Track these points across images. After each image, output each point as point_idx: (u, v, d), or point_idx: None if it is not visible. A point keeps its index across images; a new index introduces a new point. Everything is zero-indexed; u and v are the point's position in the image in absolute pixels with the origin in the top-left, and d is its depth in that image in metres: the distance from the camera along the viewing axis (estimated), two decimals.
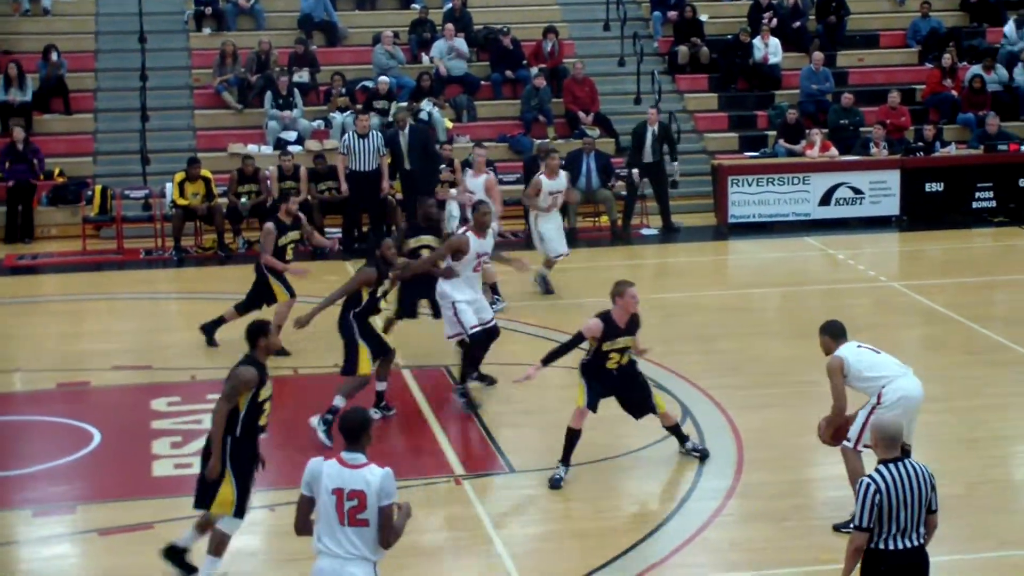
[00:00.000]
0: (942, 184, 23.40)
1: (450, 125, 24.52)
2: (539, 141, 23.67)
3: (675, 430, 12.59)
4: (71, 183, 23.34)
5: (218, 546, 9.95)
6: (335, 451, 7.98)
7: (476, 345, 13.96)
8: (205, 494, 9.90)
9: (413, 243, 15.32)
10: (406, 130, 21.63)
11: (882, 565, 7.85)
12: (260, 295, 15.91)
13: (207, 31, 26.65)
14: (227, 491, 9.81)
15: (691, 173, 24.57)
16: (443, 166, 21.79)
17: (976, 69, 26.10)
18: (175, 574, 10.23)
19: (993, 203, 23.51)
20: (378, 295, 13.53)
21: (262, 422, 9.90)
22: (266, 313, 15.19)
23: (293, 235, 15.81)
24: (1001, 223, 23.16)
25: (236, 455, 9.82)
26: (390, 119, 23.80)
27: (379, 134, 21.74)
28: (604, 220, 23.04)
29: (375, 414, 13.65)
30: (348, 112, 23.89)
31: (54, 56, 24.66)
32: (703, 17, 27.46)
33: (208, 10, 26.65)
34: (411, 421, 13.71)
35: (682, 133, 24.75)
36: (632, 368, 12.26)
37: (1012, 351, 15.79)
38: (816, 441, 12.97)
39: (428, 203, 15.94)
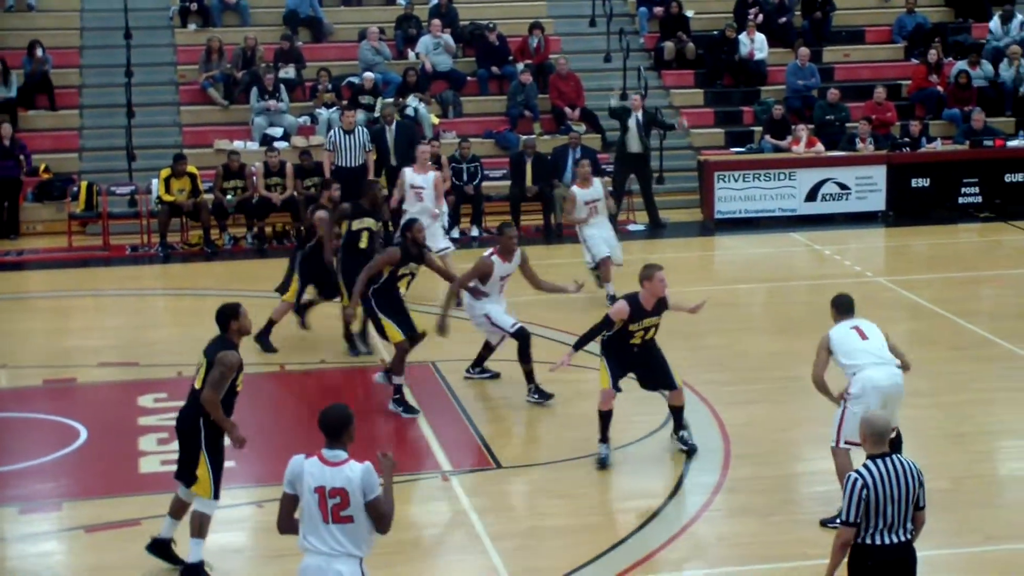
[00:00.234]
0: (928, 180, 23.46)
1: (436, 121, 24.51)
2: (525, 137, 23.68)
3: (677, 413, 12.65)
4: (57, 179, 23.28)
5: (200, 528, 10.05)
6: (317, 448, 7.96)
7: (524, 339, 13.96)
8: (186, 470, 10.08)
9: (356, 225, 15.28)
10: (392, 126, 21.62)
11: (869, 560, 7.87)
12: (327, 282, 15.92)
13: (192, 27, 26.60)
14: (204, 474, 9.96)
15: (677, 169, 24.60)
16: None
17: (962, 65, 26.15)
18: (164, 566, 10.24)
19: (979, 199, 23.57)
20: (398, 275, 13.79)
21: None
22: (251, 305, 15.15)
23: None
24: (987, 218, 23.22)
25: (210, 441, 9.96)
26: (376, 115, 23.79)
27: (365, 130, 21.71)
28: None
29: (379, 378, 14.04)
30: (334, 108, 23.87)
31: (39, 52, 24.58)
32: (689, 13, 27.48)
33: (193, 6, 26.60)
34: (399, 417, 13.70)
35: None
36: (652, 343, 12.41)
37: (998, 346, 15.84)
38: (802, 436, 13.06)
39: (376, 186, 15.89)
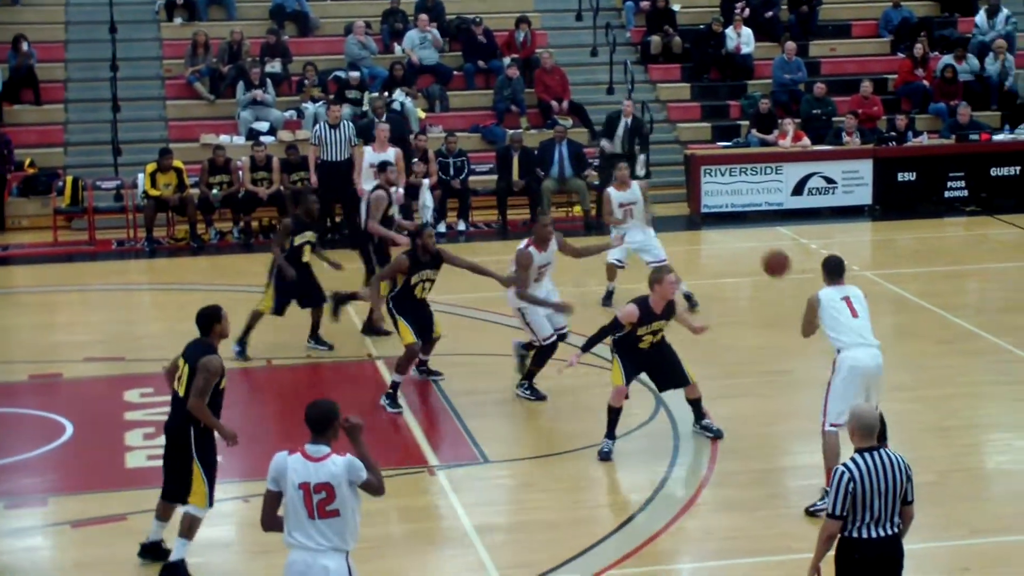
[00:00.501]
0: (914, 173, 23.49)
1: (422, 115, 24.48)
2: (512, 131, 23.67)
3: (695, 404, 12.77)
4: (42, 174, 23.21)
5: (190, 529, 10.04)
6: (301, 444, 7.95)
7: (551, 350, 13.80)
8: (179, 488, 9.99)
9: (298, 239, 15.31)
10: (383, 119, 21.55)
11: (855, 553, 7.88)
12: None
13: (178, 21, 26.52)
14: (199, 483, 9.95)
15: (664, 163, 24.60)
16: (415, 159, 21.80)
17: (947, 59, 26.19)
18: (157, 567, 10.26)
19: (965, 192, 23.61)
20: (412, 283, 13.63)
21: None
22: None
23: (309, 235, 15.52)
24: (973, 212, 23.27)
25: (201, 446, 9.95)
26: (363, 110, 23.76)
27: (351, 124, 21.67)
28: (577, 210, 23.06)
29: (414, 373, 14.08)
30: (320, 103, 23.83)
31: (24, 46, 24.49)
32: (675, 7, 27.47)
33: (179, 0, 26.52)
34: (384, 411, 13.68)
35: (655, 123, 24.77)
36: (663, 343, 12.49)
37: (983, 339, 15.87)
38: (788, 430, 13.08)
39: (310, 199, 15.87)
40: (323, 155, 21.15)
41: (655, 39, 26.77)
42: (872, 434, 7.94)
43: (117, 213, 22.52)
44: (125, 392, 14.33)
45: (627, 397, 12.43)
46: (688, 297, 17.12)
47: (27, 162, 23.31)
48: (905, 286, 18.31)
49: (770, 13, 27.38)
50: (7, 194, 22.87)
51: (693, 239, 22.54)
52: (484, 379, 14.51)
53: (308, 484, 7.67)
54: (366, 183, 18.52)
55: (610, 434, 12.38)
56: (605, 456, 12.32)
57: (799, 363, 15.28)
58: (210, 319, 10.02)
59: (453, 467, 12.33)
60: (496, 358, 14.69)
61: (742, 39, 26.49)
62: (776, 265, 12.27)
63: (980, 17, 27.45)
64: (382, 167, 16.75)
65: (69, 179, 22.59)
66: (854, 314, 11.00)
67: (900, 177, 23.45)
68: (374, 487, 7.85)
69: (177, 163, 21.73)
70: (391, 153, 18.81)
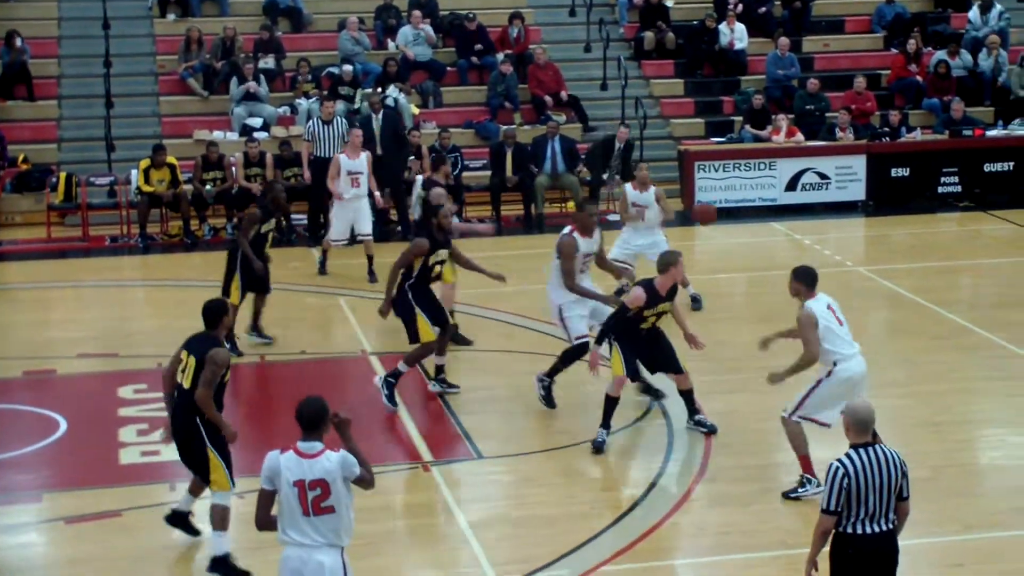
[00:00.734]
0: (908, 169, 23.51)
1: (416, 111, 24.47)
2: (505, 127, 23.66)
3: (687, 397, 12.80)
4: (35, 170, 23.18)
5: (222, 520, 10.14)
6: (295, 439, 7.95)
7: (581, 351, 13.43)
8: (203, 475, 10.18)
9: (264, 228, 15.36)
10: (379, 115, 21.53)
11: (850, 548, 7.88)
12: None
13: (172, 17, 26.50)
14: (219, 471, 10.10)
15: (657, 159, 24.59)
16: (411, 158, 21.80)
17: (941, 55, 26.20)
18: (183, 536, 10.57)
19: (958, 188, 23.63)
20: (431, 264, 13.51)
21: None
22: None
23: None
24: (966, 208, 23.29)
25: (212, 434, 10.05)
26: (355, 106, 23.75)
27: (344, 120, 21.66)
28: (571, 206, 23.05)
29: (433, 387, 13.92)
30: (313, 98, 23.81)
31: (17, 42, 24.45)
32: (669, 3, 27.47)
33: None
34: (378, 407, 13.67)
35: (648, 119, 24.77)
36: (659, 329, 12.58)
37: (977, 335, 15.89)
38: (781, 426, 13.06)
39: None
40: (316, 151, 21.13)
41: (648, 35, 26.78)
42: (867, 430, 7.94)
43: (111, 209, 22.50)
44: (119, 388, 14.32)
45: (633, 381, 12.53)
46: (695, 299, 17.09)
47: (20, 158, 23.27)
48: (898, 282, 18.33)
49: (763, 9, 27.39)
50: (0, 190, 22.84)
51: (686, 234, 22.50)
52: (479, 375, 14.52)
53: (303, 481, 7.68)
54: (341, 188, 18.69)
55: (605, 424, 12.42)
56: (599, 447, 12.34)
57: (792, 359, 15.26)
58: (218, 313, 10.14)
59: (448, 463, 12.34)
60: (490, 354, 14.70)
61: (735, 35, 26.50)
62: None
63: (973, 13, 27.47)
64: (441, 160, 17.33)
65: (63, 175, 22.57)
66: (839, 322, 11.10)
67: (893, 173, 23.47)
68: (366, 481, 7.87)
69: (171, 159, 21.71)
70: (363, 158, 18.94)
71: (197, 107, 24.88)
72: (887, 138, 23.80)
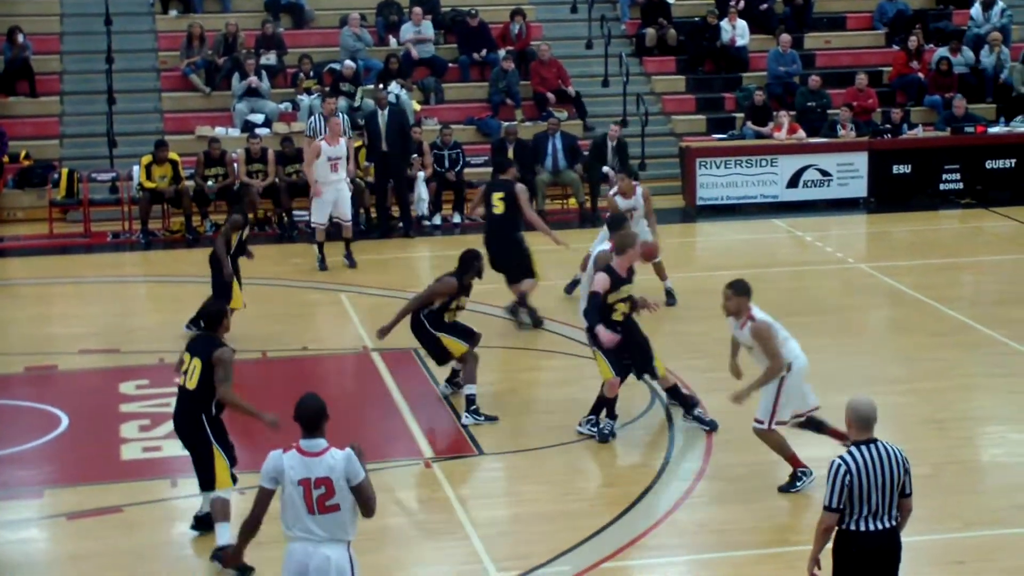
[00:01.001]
0: (909, 166, 23.51)
1: (418, 108, 24.47)
2: (507, 123, 23.67)
3: (674, 393, 12.86)
4: (38, 166, 23.20)
5: (224, 512, 10.26)
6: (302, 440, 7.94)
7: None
8: (205, 476, 10.29)
9: (246, 233, 15.53)
10: (385, 111, 21.52)
11: (853, 546, 7.86)
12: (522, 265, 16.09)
13: (174, 13, 26.50)
14: (222, 468, 10.24)
15: (659, 155, 24.63)
16: (413, 156, 21.80)
17: (943, 51, 26.20)
18: (184, 532, 10.72)
19: (960, 185, 23.63)
20: (450, 306, 13.25)
21: None
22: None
23: None
24: (968, 205, 23.29)
25: (217, 431, 10.22)
26: (356, 103, 23.75)
27: (346, 117, 21.66)
28: (572, 202, 23.07)
29: (447, 389, 13.79)
30: (315, 95, 23.82)
31: (19, 38, 24.45)
32: None
33: None
34: (380, 404, 13.70)
35: (650, 115, 24.76)
36: (632, 322, 12.58)
37: (978, 332, 15.89)
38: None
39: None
40: None
41: (650, 31, 26.77)
42: (869, 427, 7.92)
43: (112, 205, 22.50)
44: (120, 384, 14.33)
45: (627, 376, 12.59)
46: (669, 293, 17.10)
47: (23, 154, 23.29)
48: (900, 279, 18.34)
49: (765, 5, 27.38)
50: (2, 186, 22.86)
51: (688, 231, 22.55)
52: (480, 372, 14.47)
53: (308, 480, 7.67)
54: (318, 174, 19.13)
55: (610, 415, 12.50)
56: (604, 437, 12.39)
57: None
58: (218, 317, 10.35)
59: (449, 460, 12.34)
60: (491, 351, 14.68)
61: (737, 31, 26.49)
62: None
63: (975, 9, 27.45)
64: (510, 163, 17.11)
65: (65, 171, 22.58)
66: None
67: (895, 170, 23.47)
68: (367, 497, 7.76)
69: (172, 155, 21.72)
70: (343, 145, 19.40)
71: (199, 103, 24.89)
72: (889, 135, 23.80)
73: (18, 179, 23.06)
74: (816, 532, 7.98)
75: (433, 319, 13.23)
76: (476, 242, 20.85)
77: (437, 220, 22.17)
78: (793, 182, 23.26)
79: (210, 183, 21.80)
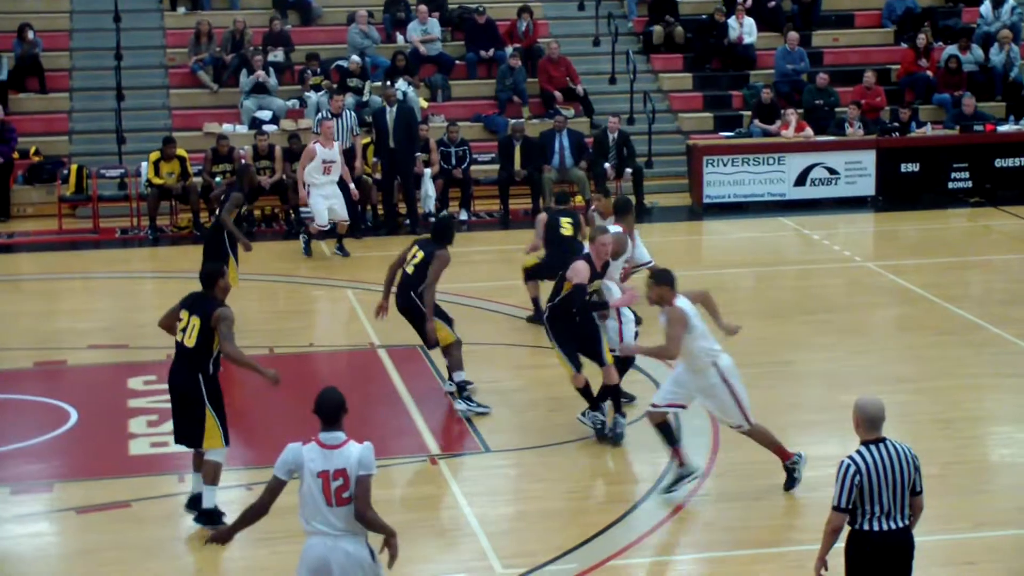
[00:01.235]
0: (918, 164, 23.49)
1: (425, 105, 24.48)
2: (514, 121, 23.67)
3: (609, 393, 12.60)
4: (47, 162, 23.25)
5: (215, 476, 10.55)
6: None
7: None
8: (193, 434, 10.53)
9: (244, 210, 15.67)
10: (394, 108, 21.54)
11: (867, 546, 7.83)
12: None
13: (182, 10, 26.54)
14: (213, 426, 10.49)
15: (666, 153, 24.62)
16: (417, 154, 21.80)
17: (952, 49, 26.15)
18: (191, 526, 10.75)
19: (969, 183, 23.60)
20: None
21: None
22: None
23: None
24: (977, 203, 23.26)
25: (211, 391, 10.52)
26: (364, 99, 23.78)
27: (353, 114, 21.68)
28: (579, 200, 23.04)
29: (449, 386, 13.70)
30: (323, 91, 23.83)
31: (29, 35, 24.51)
32: None
33: None
34: (386, 400, 13.72)
35: (657, 113, 24.77)
36: (589, 314, 12.44)
37: (986, 331, 15.88)
38: (789, 421, 13.09)
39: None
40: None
41: (657, 29, 26.76)
42: (878, 426, 7.89)
43: (121, 201, 22.56)
44: (129, 379, 14.36)
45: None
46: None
47: (32, 150, 23.33)
48: (908, 277, 18.33)
49: (772, 3, 27.35)
50: (12, 182, 22.91)
51: (695, 229, 22.57)
52: (485, 369, 14.51)
53: (327, 472, 7.72)
54: (309, 176, 19.41)
55: (595, 407, 12.46)
56: (599, 430, 12.43)
57: (801, 354, 15.33)
58: (214, 276, 10.63)
59: (455, 456, 12.36)
60: (496, 347, 14.71)
61: (744, 29, 26.48)
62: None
63: (985, 7, 27.39)
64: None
65: (74, 167, 22.64)
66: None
67: (903, 168, 23.45)
68: (366, 493, 7.73)
69: (180, 152, 21.77)
70: (336, 148, 19.69)
71: (207, 100, 24.92)
72: (897, 133, 23.78)
73: (28, 175, 23.11)
74: (824, 532, 7.95)
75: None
76: (486, 239, 20.98)
77: None
78: (801, 180, 23.25)
79: (218, 180, 21.78)
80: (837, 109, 24.68)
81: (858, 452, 7.85)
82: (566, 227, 15.22)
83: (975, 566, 10.15)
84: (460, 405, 13.28)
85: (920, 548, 8.09)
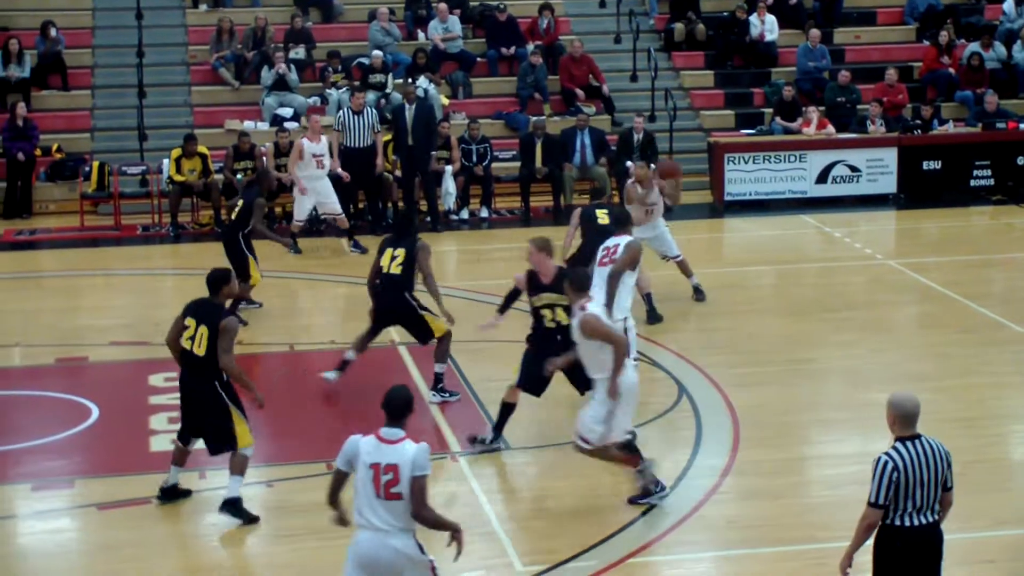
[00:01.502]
0: (940, 162, 23.41)
1: (446, 102, 24.49)
2: (535, 118, 23.67)
3: (506, 411, 12.35)
4: (69, 159, 23.34)
5: (243, 467, 10.78)
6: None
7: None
8: (223, 440, 10.77)
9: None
10: (413, 106, 21.56)
11: (898, 541, 7.81)
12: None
13: (203, 7, 26.61)
14: (242, 427, 10.71)
15: (687, 150, 24.58)
16: (431, 152, 21.80)
17: (974, 46, 26.06)
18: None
19: (991, 181, 23.52)
20: None
21: None
22: None
23: None
24: (999, 201, 23.18)
25: (231, 394, 10.70)
26: (388, 91, 23.80)
27: (374, 111, 21.70)
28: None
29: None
30: (344, 89, 23.87)
31: (52, 32, 24.61)
32: None
33: None
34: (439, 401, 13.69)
35: (678, 111, 24.73)
36: (563, 336, 11.71)
37: (1008, 329, 15.82)
38: (811, 418, 13.07)
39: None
40: (346, 141, 21.19)
41: (679, 26, 26.73)
42: (913, 422, 7.86)
43: (142, 198, 22.64)
44: (150, 376, 14.40)
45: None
46: (696, 288, 17.02)
47: (54, 147, 23.43)
48: (929, 275, 18.27)
49: (794, 0, 27.29)
50: (34, 179, 23.01)
51: (716, 227, 22.54)
52: (504, 365, 14.46)
53: (378, 465, 7.88)
54: (300, 170, 19.92)
55: (497, 428, 12.26)
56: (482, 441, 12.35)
57: (822, 351, 15.29)
58: (221, 281, 10.83)
59: (476, 454, 12.36)
60: (515, 344, 14.65)
61: (766, 26, 26.42)
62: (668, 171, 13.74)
63: (1008, 4, 27.29)
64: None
65: (95, 164, 22.71)
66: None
67: (925, 166, 23.38)
68: (421, 492, 7.88)
69: (202, 149, 21.82)
70: (324, 142, 20.10)
71: (228, 97, 24.98)
72: (919, 131, 23.70)
73: (50, 172, 23.21)
74: (858, 528, 7.90)
75: (415, 297, 13.49)
76: (506, 236, 20.97)
77: (464, 214, 22.20)
78: (822, 178, 23.19)
79: (239, 177, 21.86)
80: (859, 106, 24.61)
81: (894, 448, 7.81)
82: (602, 217, 15.20)
83: (994, 564, 10.11)
84: (435, 397, 13.47)
85: None
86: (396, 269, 13.33)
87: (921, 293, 17.70)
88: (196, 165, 21.60)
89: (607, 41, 26.87)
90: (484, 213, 22.40)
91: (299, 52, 24.94)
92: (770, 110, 24.96)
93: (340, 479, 8.15)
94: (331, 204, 20.06)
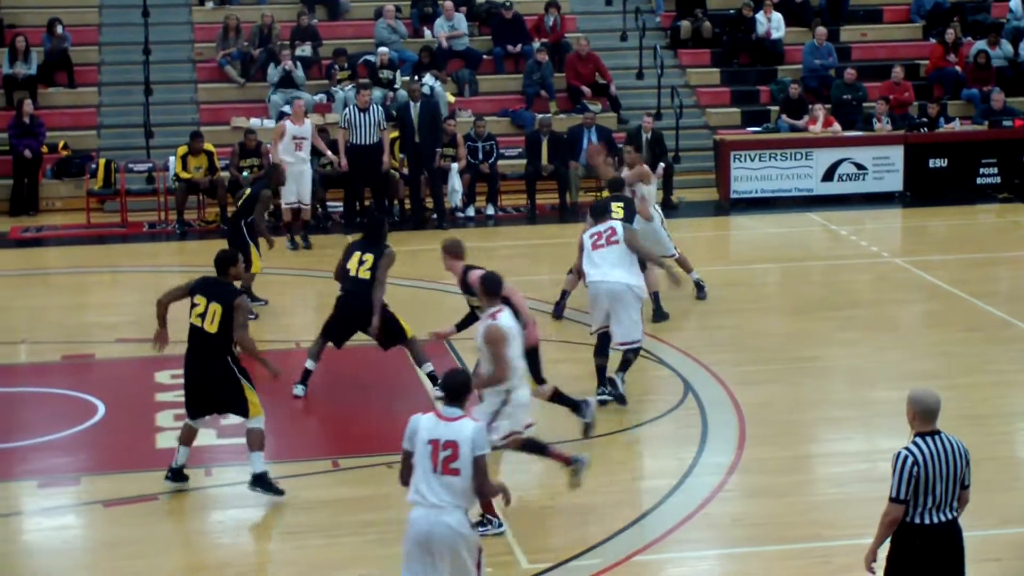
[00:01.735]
0: (946, 160, 23.39)
1: (452, 99, 24.50)
2: (541, 116, 23.67)
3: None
4: (75, 156, 23.37)
5: (260, 442, 11.04)
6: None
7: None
8: (238, 405, 11.06)
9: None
10: (418, 103, 21.56)
11: (917, 539, 7.80)
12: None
13: (210, 5, 26.62)
14: (252, 396, 11.03)
15: (693, 148, 24.58)
16: (443, 147, 21.79)
17: (981, 44, 26.04)
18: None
19: (997, 179, 23.49)
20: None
21: None
22: None
23: None
24: (1005, 199, 23.16)
25: (241, 368, 11.05)
26: (397, 86, 23.81)
27: (380, 108, 21.70)
28: (606, 195, 22.97)
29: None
30: (350, 86, 23.88)
31: (59, 29, 24.64)
32: None
33: None
34: (413, 395, 13.72)
35: (684, 108, 24.73)
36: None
37: (1014, 327, 15.81)
38: (816, 416, 13.05)
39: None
40: (352, 139, 21.20)
41: (685, 24, 26.73)
42: (933, 418, 7.86)
43: (149, 195, 22.66)
44: (156, 373, 14.40)
45: None
46: (698, 284, 17.01)
47: (61, 144, 23.45)
48: (935, 273, 18.25)
49: None
50: (41, 176, 23.03)
51: (722, 224, 22.53)
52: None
53: (438, 441, 8.09)
54: (284, 154, 20.16)
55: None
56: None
57: (828, 349, 15.29)
58: (228, 262, 11.19)
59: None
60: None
61: (772, 24, 26.42)
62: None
63: (1015, 2, 27.28)
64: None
65: (102, 161, 22.74)
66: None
67: (931, 163, 23.36)
68: (483, 472, 8.10)
69: (208, 146, 21.84)
70: (308, 125, 20.55)
71: (234, 94, 24.99)
72: (925, 129, 23.69)
73: (56, 169, 23.23)
74: (881, 523, 7.88)
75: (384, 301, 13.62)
76: (512, 233, 20.97)
77: (471, 212, 22.21)
78: (828, 176, 23.18)
79: (245, 174, 21.84)
80: (865, 104, 24.60)
81: (914, 443, 7.81)
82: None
83: (1001, 562, 10.10)
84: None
85: None
86: (365, 274, 13.44)
87: (927, 291, 17.69)
88: (202, 162, 21.62)
89: (613, 39, 26.87)
90: (490, 210, 22.41)
91: (305, 49, 24.96)
92: (776, 108, 24.95)
93: (407, 458, 8.30)
94: (304, 192, 20.23)
